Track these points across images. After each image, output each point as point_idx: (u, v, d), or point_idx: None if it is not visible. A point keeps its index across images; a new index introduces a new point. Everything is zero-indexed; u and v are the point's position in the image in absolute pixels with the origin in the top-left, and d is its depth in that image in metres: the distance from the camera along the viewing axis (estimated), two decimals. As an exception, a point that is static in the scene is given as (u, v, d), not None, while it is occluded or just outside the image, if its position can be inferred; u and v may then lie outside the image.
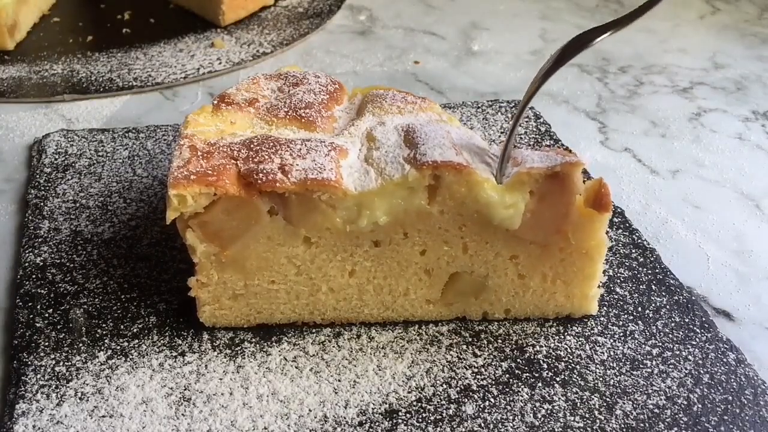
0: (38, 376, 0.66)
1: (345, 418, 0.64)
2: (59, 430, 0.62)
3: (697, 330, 0.72)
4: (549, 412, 0.65)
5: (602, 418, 0.64)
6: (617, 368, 0.68)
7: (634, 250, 0.81)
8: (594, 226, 0.68)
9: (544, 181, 0.66)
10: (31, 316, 0.72)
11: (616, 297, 0.76)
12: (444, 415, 0.64)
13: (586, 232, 0.68)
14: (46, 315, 0.72)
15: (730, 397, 0.66)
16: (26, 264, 0.78)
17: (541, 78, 0.64)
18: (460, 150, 0.67)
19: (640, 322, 0.73)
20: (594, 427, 0.63)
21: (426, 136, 0.67)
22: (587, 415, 0.64)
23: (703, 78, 1.20)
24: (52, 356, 0.68)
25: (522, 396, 0.66)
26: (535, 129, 1.01)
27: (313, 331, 0.73)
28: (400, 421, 0.64)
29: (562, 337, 0.72)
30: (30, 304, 0.73)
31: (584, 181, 0.69)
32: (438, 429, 0.63)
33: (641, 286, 0.77)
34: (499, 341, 0.71)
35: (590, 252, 0.70)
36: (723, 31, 1.36)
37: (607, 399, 0.66)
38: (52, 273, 0.77)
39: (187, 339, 0.71)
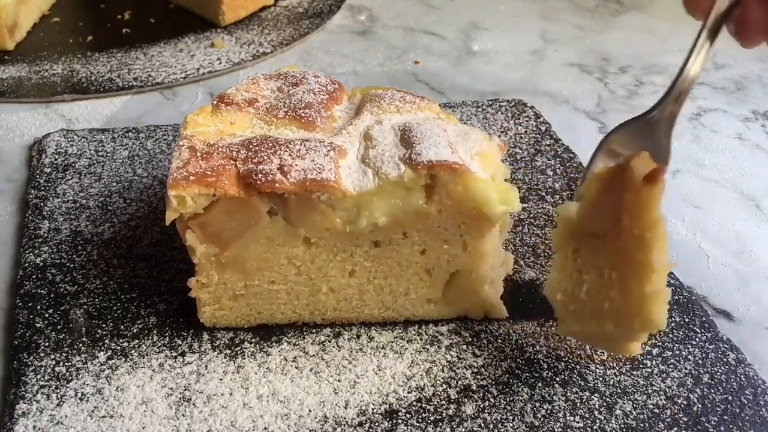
0: (38, 376, 0.66)
1: (345, 418, 0.64)
2: (59, 430, 0.62)
3: (697, 330, 0.72)
4: (549, 412, 0.65)
5: (602, 418, 0.64)
6: (617, 368, 0.68)
7: (634, 250, 0.81)
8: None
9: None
10: (31, 316, 0.72)
11: (616, 297, 0.75)
12: (444, 415, 0.64)
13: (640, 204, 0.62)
14: (46, 315, 0.72)
15: (730, 397, 0.66)
16: (26, 264, 0.78)
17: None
18: (457, 148, 0.67)
19: (640, 322, 0.73)
20: (594, 427, 0.63)
21: (422, 135, 0.67)
22: (587, 415, 0.64)
23: (703, 78, 1.20)
24: (52, 356, 0.68)
25: (522, 396, 0.66)
26: (535, 129, 1.01)
27: (313, 331, 0.73)
28: (400, 421, 0.64)
29: (562, 337, 0.71)
30: (30, 304, 0.73)
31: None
32: (438, 429, 0.63)
33: (641, 286, 0.77)
34: (499, 341, 0.71)
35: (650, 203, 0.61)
36: (723, 31, 1.36)
37: (607, 399, 0.66)
38: (52, 273, 0.77)
39: (187, 339, 0.71)
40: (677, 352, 0.70)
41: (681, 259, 0.83)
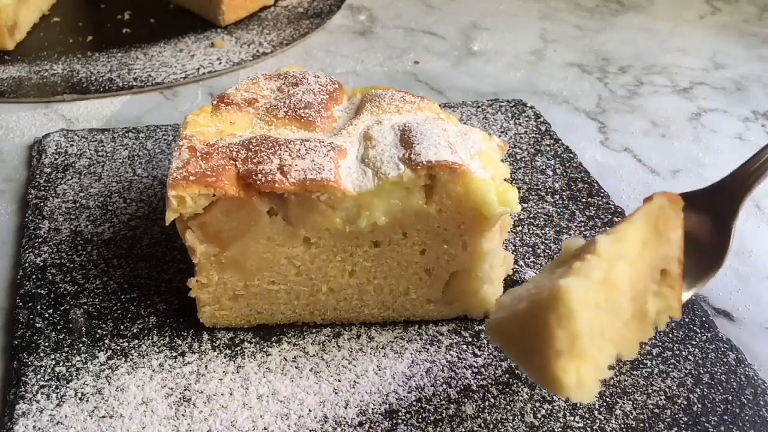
0: (38, 376, 0.66)
1: (345, 418, 0.64)
2: (59, 430, 0.62)
3: (697, 330, 0.72)
4: (549, 412, 0.65)
5: (602, 418, 0.64)
6: (617, 368, 0.68)
7: (634, 250, 0.81)
8: None
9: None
10: (31, 316, 0.72)
11: (616, 297, 0.75)
12: (444, 415, 0.64)
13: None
14: (46, 315, 0.72)
15: (730, 397, 0.66)
16: (26, 264, 0.78)
17: None
18: (457, 148, 0.67)
19: (640, 322, 0.73)
20: (594, 427, 0.63)
21: (422, 135, 0.67)
22: (587, 415, 0.64)
23: (703, 78, 1.20)
24: (52, 356, 0.68)
25: (522, 396, 0.66)
26: (535, 129, 1.01)
27: (313, 331, 0.73)
28: (400, 421, 0.64)
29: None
30: (30, 304, 0.73)
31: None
32: (438, 429, 0.63)
33: (641, 286, 0.76)
34: (499, 341, 0.71)
35: None
36: (723, 31, 1.36)
37: (607, 399, 0.66)
38: (52, 273, 0.77)
39: (187, 339, 0.71)
40: (677, 352, 0.70)
41: (681, 259, 0.83)
